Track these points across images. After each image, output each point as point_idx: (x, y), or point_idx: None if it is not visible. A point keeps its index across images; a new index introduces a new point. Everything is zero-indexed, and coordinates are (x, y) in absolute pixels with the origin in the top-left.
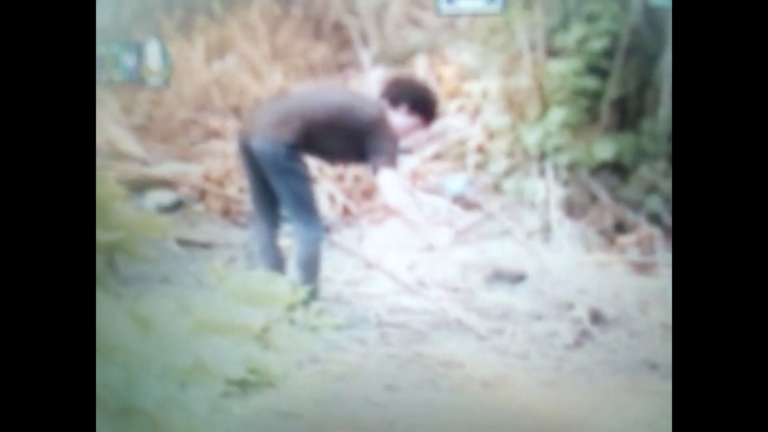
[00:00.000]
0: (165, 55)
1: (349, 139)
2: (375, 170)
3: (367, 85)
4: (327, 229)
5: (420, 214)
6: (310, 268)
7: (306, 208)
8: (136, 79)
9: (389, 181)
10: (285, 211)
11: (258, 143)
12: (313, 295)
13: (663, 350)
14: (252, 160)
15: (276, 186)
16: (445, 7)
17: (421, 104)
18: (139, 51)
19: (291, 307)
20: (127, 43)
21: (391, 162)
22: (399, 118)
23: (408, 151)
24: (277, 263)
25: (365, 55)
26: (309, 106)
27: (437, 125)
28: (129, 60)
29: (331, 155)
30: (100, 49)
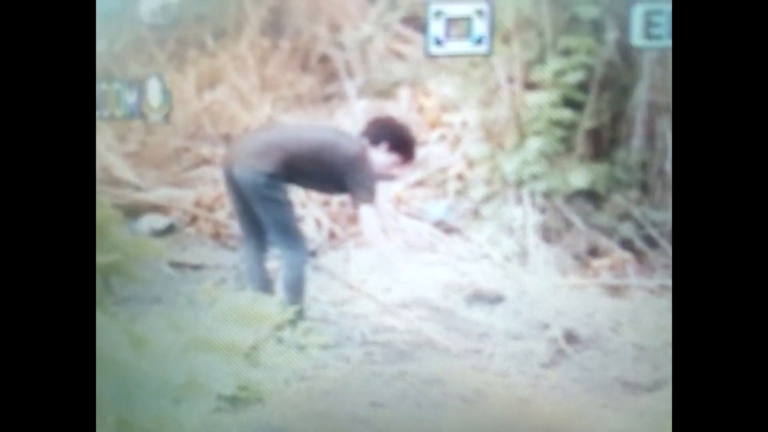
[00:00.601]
0: (165, 92)
1: (331, 172)
2: (355, 204)
3: (352, 115)
4: (313, 253)
5: (391, 246)
6: (296, 290)
7: (289, 232)
8: (137, 115)
9: (367, 216)
10: (270, 236)
11: (239, 171)
12: (300, 315)
13: (635, 368)
14: (235, 187)
15: (258, 212)
16: (434, 49)
17: (401, 144)
18: (140, 88)
19: (279, 327)
20: (129, 81)
21: (370, 197)
22: (379, 156)
23: (392, 177)
24: (265, 284)
25: (350, 87)
26: (292, 139)
27: (420, 154)
28: (130, 97)
29: (312, 186)
30: (102, 85)
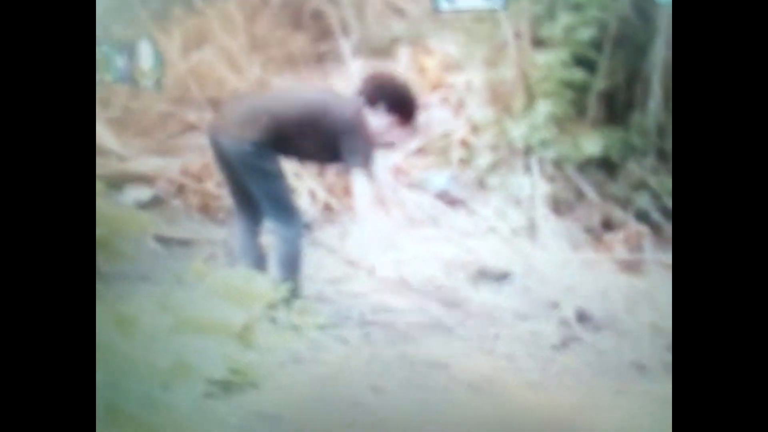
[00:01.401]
0: (157, 56)
1: (323, 139)
2: (348, 172)
3: (347, 75)
4: (307, 227)
5: (384, 221)
6: (291, 266)
7: (282, 206)
8: (128, 80)
9: (360, 185)
10: (262, 209)
11: (225, 141)
12: (295, 293)
13: (650, 351)
14: (223, 158)
15: (248, 184)
16: (444, 5)
17: (400, 103)
18: (130, 52)
19: (272, 306)
20: (119, 44)
21: (365, 163)
22: (376, 118)
23: (390, 143)
24: (258, 261)
25: (346, 46)
26: (280, 103)
27: (420, 118)
28: (120, 61)
29: (303, 155)
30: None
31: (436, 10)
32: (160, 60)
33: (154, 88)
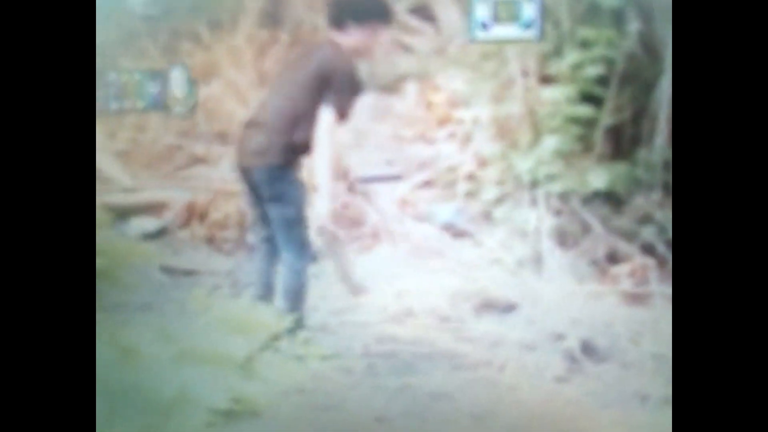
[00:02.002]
0: (190, 83)
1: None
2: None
3: (356, 110)
4: (314, 258)
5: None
6: (297, 298)
7: (294, 235)
8: (161, 107)
9: (326, 125)
10: (276, 236)
11: (251, 169)
12: (299, 323)
13: (655, 382)
14: (252, 187)
15: (271, 212)
16: (479, 35)
17: (366, 9)
18: (163, 79)
19: (276, 336)
20: (152, 71)
21: (342, 114)
22: (350, 38)
23: (397, 177)
24: (267, 290)
25: None
26: (273, 117)
27: (427, 152)
28: (153, 87)
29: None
30: (124, 77)
31: (472, 40)
32: (193, 87)
33: (188, 116)
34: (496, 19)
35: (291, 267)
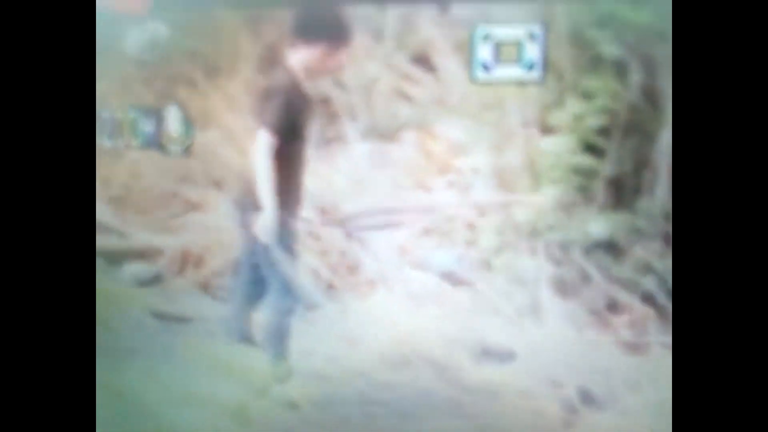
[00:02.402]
0: (186, 122)
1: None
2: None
3: (354, 159)
4: (310, 305)
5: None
6: (280, 341)
7: (282, 274)
8: (156, 146)
9: (261, 147)
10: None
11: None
12: (292, 370)
13: (652, 429)
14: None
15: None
16: (481, 76)
17: (315, 27)
18: (158, 118)
19: (269, 383)
20: (146, 109)
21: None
22: (298, 56)
23: (396, 225)
24: (246, 336)
25: (353, 130)
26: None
27: (426, 200)
28: (148, 126)
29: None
30: (118, 114)
31: (472, 81)
32: (190, 126)
33: (183, 155)
34: (498, 60)
35: (276, 307)
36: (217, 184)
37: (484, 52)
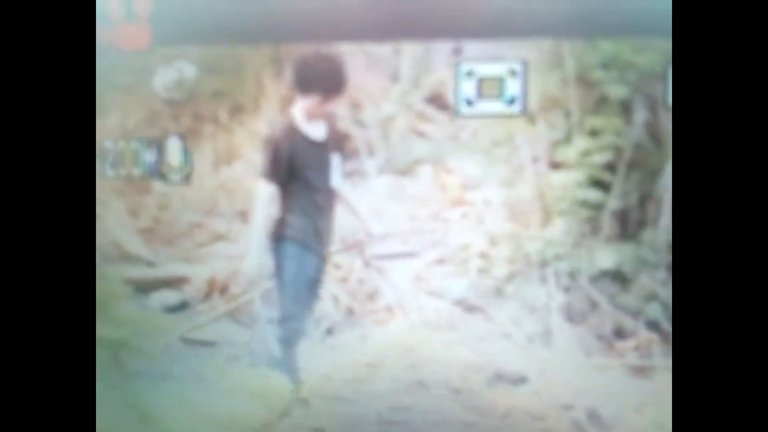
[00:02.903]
0: (185, 152)
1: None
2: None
3: (372, 192)
4: (329, 331)
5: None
6: (293, 365)
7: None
8: (157, 175)
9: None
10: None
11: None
12: (313, 393)
13: None
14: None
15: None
16: (465, 110)
17: (307, 81)
18: (159, 148)
19: (292, 405)
20: (148, 140)
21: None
22: (297, 104)
23: (412, 254)
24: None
25: (371, 165)
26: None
27: (441, 231)
28: (149, 156)
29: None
30: (121, 145)
31: (456, 115)
32: (188, 156)
33: (183, 183)
34: (480, 95)
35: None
36: (242, 216)
37: (467, 89)
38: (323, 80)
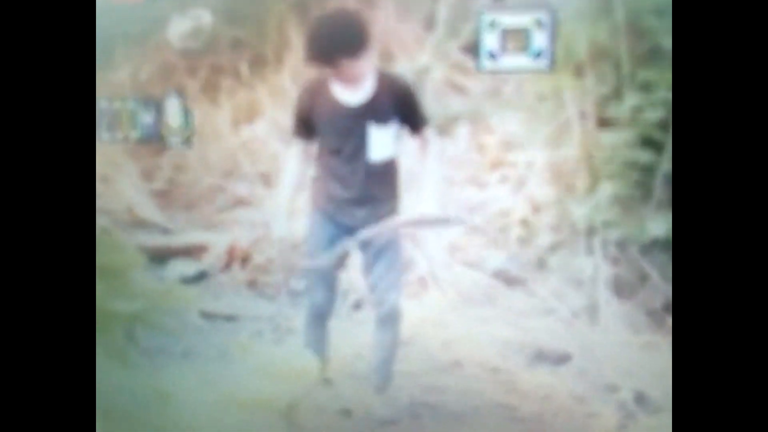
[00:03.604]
0: (186, 112)
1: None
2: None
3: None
4: (357, 306)
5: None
6: (321, 341)
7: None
8: (156, 138)
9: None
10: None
11: None
12: (341, 371)
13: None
14: None
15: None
16: (487, 64)
17: (317, 46)
18: (158, 108)
19: (319, 385)
20: (145, 100)
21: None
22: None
23: (447, 221)
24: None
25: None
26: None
27: (479, 196)
28: (147, 117)
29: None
30: (115, 104)
31: (478, 70)
32: (190, 116)
33: (184, 146)
34: (504, 49)
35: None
36: (265, 179)
37: (490, 41)
38: (339, 44)
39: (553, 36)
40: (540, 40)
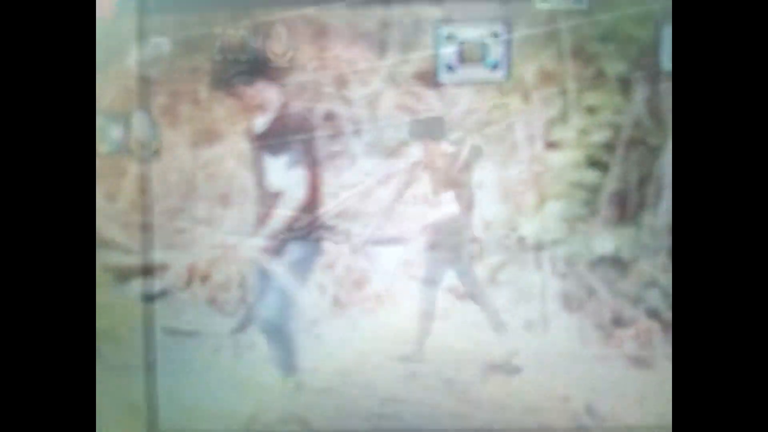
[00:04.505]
0: (153, 125)
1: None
2: None
3: (359, 173)
4: (315, 322)
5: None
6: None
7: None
8: (125, 151)
9: None
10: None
11: None
12: (301, 384)
13: None
14: None
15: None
16: (445, 77)
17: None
18: (125, 122)
19: (279, 397)
20: (114, 114)
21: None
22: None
23: (401, 239)
24: None
25: (358, 145)
26: None
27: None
28: (116, 132)
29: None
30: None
31: (436, 83)
32: (157, 130)
33: (151, 159)
34: (462, 60)
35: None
36: (223, 199)
37: (448, 54)
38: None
39: (509, 49)
40: (496, 52)
